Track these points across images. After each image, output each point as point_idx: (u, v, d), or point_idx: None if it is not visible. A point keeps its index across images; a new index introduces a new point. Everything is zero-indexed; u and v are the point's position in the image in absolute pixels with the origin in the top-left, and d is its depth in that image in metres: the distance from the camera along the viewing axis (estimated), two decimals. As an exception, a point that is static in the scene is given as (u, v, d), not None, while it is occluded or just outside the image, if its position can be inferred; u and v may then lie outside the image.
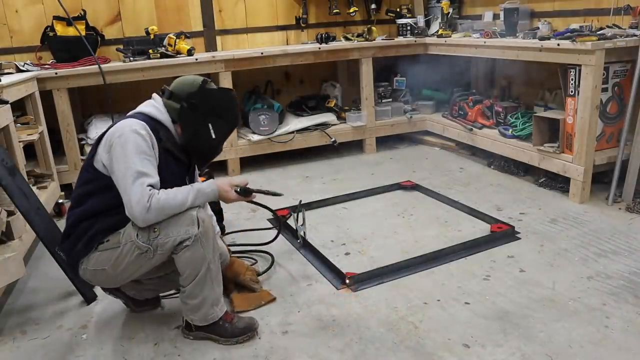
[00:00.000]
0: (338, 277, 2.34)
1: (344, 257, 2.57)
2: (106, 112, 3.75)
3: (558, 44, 2.99)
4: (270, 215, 2.97)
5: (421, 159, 4.17)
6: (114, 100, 3.64)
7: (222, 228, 2.80)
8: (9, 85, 2.71)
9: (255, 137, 4.01)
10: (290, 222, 2.91)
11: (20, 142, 2.78)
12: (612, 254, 2.43)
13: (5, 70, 3.13)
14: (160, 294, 2.22)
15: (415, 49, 4.37)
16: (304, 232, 2.65)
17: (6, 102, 2.56)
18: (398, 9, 4.67)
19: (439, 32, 4.25)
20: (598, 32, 2.97)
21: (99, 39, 3.89)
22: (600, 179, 3.15)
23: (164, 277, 2.09)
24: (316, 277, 2.39)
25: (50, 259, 2.30)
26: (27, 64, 3.42)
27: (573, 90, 3.03)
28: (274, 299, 2.21)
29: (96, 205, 1.84)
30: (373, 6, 4.59)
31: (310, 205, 3.14)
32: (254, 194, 2.02)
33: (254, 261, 2.56)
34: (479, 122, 3.95)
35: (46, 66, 3.56)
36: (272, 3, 4.48)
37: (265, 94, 4.48)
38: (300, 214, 2.62)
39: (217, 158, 2.19)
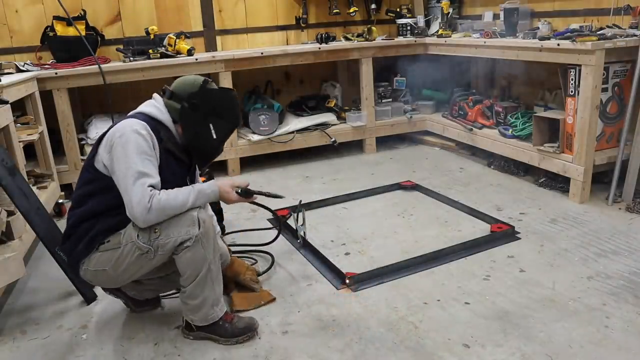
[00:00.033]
0: (338, 277, 2.34)
1: (344, 257, 2.57)
2: (106, 112, 3.75)
3: (558, 44, 2.99)
4: (270, 215, 2.96)
5: (421, 159, 4.17)
6: (114, 100, 3.64)
7: (222, 228, 2.80)
8: (9, 85, 2.71)
9: (255, 137, 4.01)
10: (290, 222, 2.91)
11: (20, 142, 2.78)
12: (612, 254, 2.43)
13: (5, 70, 3.13)
14: (161, 294, 2.22)
15: (415, 49, 4.37)
16: (304, 232, 2.66)
17: (6, 102, 2.56)
18: (398, 9, 4.67)
19: (439, 32, 4.25)
20: (598, 32, 2.97)
21: (99, 39, 3.89)
22: (600, 179, 3.15)
23: (164, 278, 2.09)
24: (316, 277, 2.39)
25: (50, 259, 2.30)
26: (27, 64, 3.42)
27: (573, 90, 3.03)
28: (273, 299, 2.21)
29: (97, 206, 1.84)
30: (373, 6, 4.59)
31: (310, 205, 3.14)
32: (255, 195, 2.02)
33: (254, 261, 2.56)
34: (479, 122, 3.95)
35: (46, 66, 3.56)
36: (272, 3, 4.48)
37: (265, 94, 4.48)
38: (300, 214, 2.62)
39: (217, 158, 2.19)
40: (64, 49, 3.68)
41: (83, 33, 3.67)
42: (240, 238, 2.83)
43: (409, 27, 4.47)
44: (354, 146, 4.43)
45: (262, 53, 3.93)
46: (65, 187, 3.50)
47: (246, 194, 1.99)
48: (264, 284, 2.34)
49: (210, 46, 4.33)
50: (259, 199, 2.06)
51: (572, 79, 3.02)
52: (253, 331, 1.96)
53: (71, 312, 2.22)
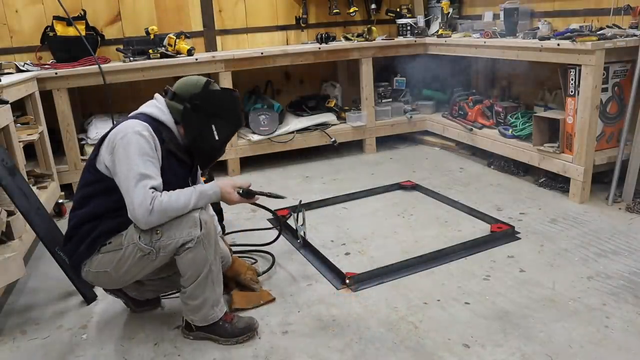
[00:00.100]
0: (338, 277, 2.34)
1: (344, 257, 2.57)
2: (106, 112, 3.75)
3: (558, 44, 2.99)
4: (270, 215, 2.96)
5: (421, 159, 4.17)
6: (114, 100, 3.64)
7: (222, 228, 2.80)
8: (9, 85, 2.71)
9: (255, 137, 4.01)
10: (291, 222, 2.91)
11: (20, 142, 2.78)
12: (612, 254, 2.43)
13: (5, 70, 3.13)
14: (161, 294, 2.22)
15: (415, 49, 4.36)
16: (304, 232, 2.66)
17: (6, 102, 2.56)
18: (398, 9, 4.67)
19: (439, 32, 4.25)
20: (598, 32, 2.97)
21: (99, 39, 3.89)
22: (600, 179, 3.15)
23: (166, 279, 2.09)
24: (316, 277, 2.39)
25: (50, 259, 2.30)
26: (27, 64, 3.42)
27: (573, 90, 3.03)
28: (273, 299, 2.21)
29: (98, 208, 1.84)
30: (373, 6, 4.59)
31: (310, 205, 3.14)
32: (256, 196, 2.02)
33: (254, 261, 2.56)
34: (479, 122, 3.95)
35: (46, 66, 3.56)
36: (272, 3, 4.48)
37: (265, 94, 4.48)
38: (300, 214, 2.62)
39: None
40: (64, 49, 3.68)
41: (83, 33, 3.67)
42: (241, 238, 2.83)
43: (409, 27, 4.47)
44: (354, 146, 4.43)
45: (262, 53, 3.93)
46: (65, 187, 3.50)
47: (248, 195, 1.99)
48: (264, 284, 2.34)
49: (210, 46, 4.33)
50: (260, 199, 2.06)
51: (572, 79, 3.02)
52: (253, 331, 1.96)
53: (71, 312, 2.22)
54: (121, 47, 3.78)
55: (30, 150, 3.24)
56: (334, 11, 4.52)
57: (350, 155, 4.33)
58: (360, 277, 2.30)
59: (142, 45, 3.76)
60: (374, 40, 4.30)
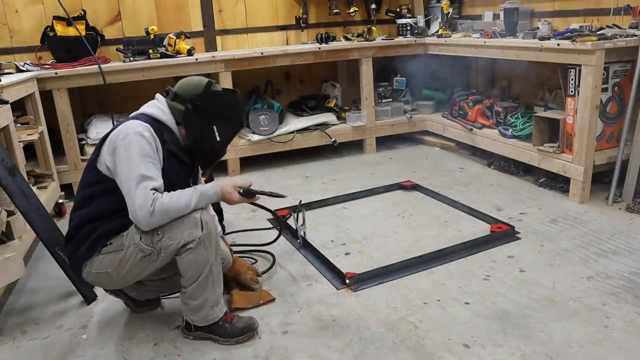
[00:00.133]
0: (338, 277, 2.34)
1: (344, 257, 2.57)
2: (106, 112, 3.75)
3: (558, 44, 2.99)
4: (270, 215, 2.96)
5: (421, 159, 4.17)
6: (114, 100, 3.64)
7: (223, 228, 2.80)
8: (9, 85, 2.71)
9: (255, 137, 4.01)
10: (291, 222, 2.91)
11: (20, 142, 2.78)
12: (612, 254, 2.43)
13: (5, 70, 3.13)
14: (161, 295, 2.22)
15: (415, 49, 4.36)
16: (304, 232, 2.66)
17: (6, 102, 2.56)
18: (398, 9, 4.67)
19: (439, 32, 4.25)
20: (598, 32, 2.97)
21: (99, 39, 3.89)
22: (600, 179, 3.15)
23: (166, 279, 2.09)
24: (316, 277, 2.39)
25: (50, 259, 2.30)
26: (27, 64, 3.42)
27: (573, 90, 3.03)
28: (273, 299, 2.21)
29: (99, 209, 1.84)
30: (373, 6, 4.59)
31: (310, 205, 3.14)
32: (257, 195, 2.02)
33: (254, 261, 2.56)
34: (479, 122, 3.95)
35: (46, 66, 3.56)
36: (272, 3, 4.48)
37: (265, 94, 4.48)
38: (300, 214, 2.62)
39: (218, 159, 2.20)
40: (64, 49, 3.68)
41: (83, 33, 3.67)
42: (241, 238, 2.83)
43: (409, 27, 4.47)
44: (354, 146, 4.43)
45: (262, 53, 3.93)
46: (65, 187, 3.50)
47: (248, 194, 1.99)
48: (264, 284, 2.34)
49: (210, 46, 4.33)
50: (260, 199, 2.06)
51: (572, 79, 3.02)
52: (253, 331, 1.96)
53: (71, 312, 2.22)
54: (121, 47, 3.78)
55: (30, 150, 3.25)
56: (334, 11, 4.52)
57: (350, 155, 4.33)
58: (360, 277, 2.30)
59: (142, 45, 3.76)
60: (374, 40, 4.30)
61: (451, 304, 2.11)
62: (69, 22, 3.66)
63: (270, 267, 2.47)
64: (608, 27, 3.14)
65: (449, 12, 4.38)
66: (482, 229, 2.77)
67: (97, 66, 3.49)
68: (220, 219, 2.80)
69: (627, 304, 2.04)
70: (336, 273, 2.36)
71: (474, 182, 3.52)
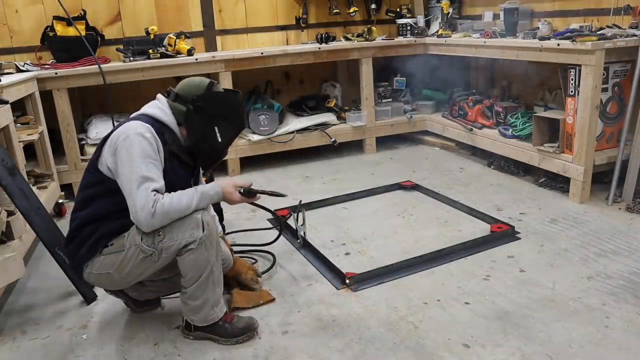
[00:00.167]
0: (338, 277, 2.34)
1: (344, 257, 2.57)
2: (106, 112, 3.75)
3: (558, 44, 2.99)
4: (270, 215, 2.96)
5: (421, 159, 4.17)
6: (114, 100, 3.64)
7: (223, 228, 2.80)
8: (9, 85, 2.71)
9: (255, 137, 4.01)
10: (291, 222, 2.91)
11: (20, 142, 2.78)
12: (612, 254, 2.43)
13: (5, 70, 3.13)
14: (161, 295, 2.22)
15: (415, 49, 4.36)
16: (304, 232, 2.65)
17: (6, 102, 2.56)
18: (398, 9, 4.67)
19: (439, 32, 4.26)
20: (598, 32, 2.97)
21: (99, 39, 3.89)
22: (600, 179, 3.15)
23: (167, 280, 2.09)
24: (316, 277, 2.39)
25: (50, 259, 2.30)
26: (27, 64, 3.42)
27: (573, 90, 3.03)
28: (273, 300, 2.21)
29: (100, 210, 1.84)
30: (373, 6, 4.59)
31: (310, 205, 3.14)
32: (258, 195, 2.02)
33: (254, 261, 2.56)
34: (479, 122, 3.95)
35: (46, 66, 3.56)
36: (272, 3, 4.48)
37: (265, 94, 4.48)
38: (300, 214, 2.62)
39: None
40: (64, 49, 3.68)
41: (83, 33, 3.67)
42: (241, 238, 2.83)
43: (409, 27, 4.47)
44: (354, 146, 4.43)
45: (262, 53, 3.93)
46: (65, 187, 3.50)
47: (249, 194, 1.99)
48: (264, 283, 2.34)
49: (210, 46, 4.33)
50: (261, 198, 2.06)
51: (572, 79, 3.02)
52: (253, 331, 1.96)
53: (71, 312, 2.22)
54: (121, 47, 3.78)
55: (30, 150, 3.25)
56: (334, 11, 4.52)
57: (350, 155, 4.33)
58: (360, 277, 2.30)
59: (142, 45, 3.76)
60: (374, 40, 4.30)
61: (451, 304, 2.11)
62: (69, 22, 3.66)
63: (271, 267, 2.47)
64: (608, 27, 3.14)
65: (449, 12, 4.38)
66: (482, 229, 2.77)
67: (97, 66, 3.49)
68: (221, 219, 2.80)
69: (627, 304, 2.04)
70: (336, 273, 2.36)
71: (474, 182, 3.52)
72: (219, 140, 1.94)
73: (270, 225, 2.98)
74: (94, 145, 3.64)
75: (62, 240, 2.28)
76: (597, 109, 2.93)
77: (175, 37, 3.80)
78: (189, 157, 1.96)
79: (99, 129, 3.68)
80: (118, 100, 3.81)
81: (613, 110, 3.10)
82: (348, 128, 4.29)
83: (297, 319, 2.07)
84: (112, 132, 1.84)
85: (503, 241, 2.61)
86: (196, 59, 3.72)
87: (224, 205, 2.53)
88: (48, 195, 2.98)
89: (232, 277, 2.23)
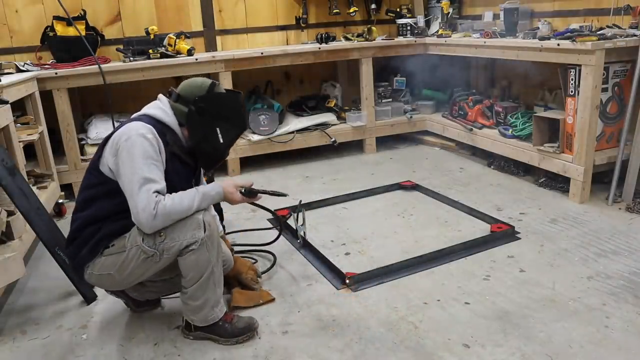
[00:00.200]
0: (338, 277, 2.34)
1: (344, 257, 2.57)
2: (106, 112, 3.75)
3: (558, 44, 2.99)
4: (270, 215, 2.96)
5: (421, 159, 4.17)
6: (114, 100, 3.64)
7: (222, 228, 2.80)
8: (9, 85, 2.71)
9: (255, 137, 4.01)
10: (291, 222, 2.91)
11: (20, 142, 2.78)
12: (612, 254, 2.43)
13: (5, 70, 3.13)
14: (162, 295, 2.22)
15: (415, 49, 4.36)
16: (304, 232, 2.65)
17: (6, 102, 2.56)
18: (398, 9, 4.67)
19: (439, 32, 4.25)
20: (598, 32, 2.97)
21: (99, 39, 3.89)
22: (600, 179, 3.15)
23: (168, 281, 2.08)
24: (316, 277, 2.39)
25: (50, 259, 2.30)
26: (27, 64, 3.42)
27: (573, 90, 3.03)
28: (273, 300, 2.21)
29: (101, 211, 1.83)
30: (373, 6, 4.59)
31: (310, 205, 3.14)
32: (259, 195, 2.02)
33: (254, 261, 2.56)
34: (479, 122, 3.95)
35: (46, 66, 3.56)
36: (272, 3, 4.48)
37: (265, 94, 4.48)
38: (300, 214, 2.62)
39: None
40: (64, 49, 3.68)
41: (83, 33, 3.67)
42: (241, 238, 2.83)
43: (409, 27, 4.47)
44: (354, 146, 4.43)
45: (262, 53, 3.93)
46: (65, 187, 3.50)
47: (250, 194, 1.99)
48: (264, 283, 2.34)
49: (210, 46, 4.33)
50: (261, 198, 2.06)
51: (572, 79, 3.02)
52: (253, 331, 1.96)
53: (71, 312, 2.22)
54: (121, 47, 3.78)
55: (30, 150, 3.25)
56: (334, 11, 4.52)
57: (350, 155, 4.33)
58: (360, 277, 2.30)
59: (142, 45, 3.76)
60: (374, 40, 4.30)
61: (451, 304, 2.11)
62: (69, 22, 3.66)
63: (271, 267, 2.47)
64: (608, 27, 3.15)
65: (449, 12, 4.38)
66: (482, 229, 2.77)
67: (97, 66, 3.49)
68: (221, 219, 2.80)
69: (627, 304, 2.04)
70: (336, 273, 2.36)
71: (474, 182, 3.52)
72: (221, 141, 1.94)
73: (270, 225, 2.98)
74: (93, 145, 3.64)
75: (62, 240, 2.29)
76: (597, 109, 2.93)
77: (175, 37, 3.80)
78: (190, 158, 1.96)
79: (99, 129, 3.68)
80: (118, 100, 3.81)
81: (613, 110, 3.10)
82: (348, 128, 4.29)
83: (297, 319, 2.07)
84: (113, 132, 1.84)
85: (503, 241, 2.61)
86: (196, 59, 3.72)
87: (224, 205, 2.53)
88: (48, 195, 2.98)
89: (233, 276, 2.23)
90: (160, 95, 1.98)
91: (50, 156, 3.37)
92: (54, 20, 3.69)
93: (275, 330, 2.01)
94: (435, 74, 4.40)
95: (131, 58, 3.68)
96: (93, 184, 1.86)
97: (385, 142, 4.49)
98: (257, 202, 2.09)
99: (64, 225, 1.94)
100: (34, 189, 2.72)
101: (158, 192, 1.74)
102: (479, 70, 4.49)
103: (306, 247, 2.66)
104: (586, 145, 2.95)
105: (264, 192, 2.05)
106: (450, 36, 4.14)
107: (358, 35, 4.40)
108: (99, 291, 2.28)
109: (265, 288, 2.29)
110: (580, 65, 2.91)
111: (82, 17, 3.78)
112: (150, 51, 3.72)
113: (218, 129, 1.92)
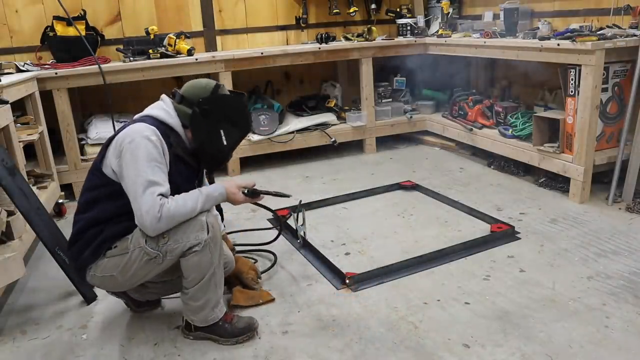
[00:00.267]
0: (338, 277, 2.34)
1: (344, 257, 2.57)
2: (106, 112, 3.75)
3: (558, 44, 2.99)
4: (270, 215, 2.97)
5: (421, 159, 4.17)
6: (114, 100, 3.64)
7: (223, 227, 2.80)
8: (9, 85, 2.71)
9: (255, 137, 4.00)
10: (291, 222, 2.91)
11: (20, 142, 2.78)
12: (612, 254, 2.43)
13: (5, 70, 3.13)
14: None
15: (415, 49, 4.36)
16: (304, 232, 2.65)
17: (6, 102, 2.56)
18: (398, 9, 4.67)
19: (439, 32, 4.25)
20: (598, 32, 2.97)
21: (99, 39, 3.89)
22: (600, 179, 3.15)
23: (169, 282, 2.08)
24: (316, 277, 2.38)
25: (50, 259, 2.30)
26: (27, 64, 3.42)
27: (573, 90, 3.03)
28: (273, 300, 2.21)
29: (103, 212, 1.83)
30: (373, 6, 4.59)
31: (310, 205, 3.14)
32: (261, 195, 2.02)
33: (254, 260, 2.56)
34: (479, 122, 3.95)
35: (46, 66, 3.56)
36: (272, 3, 4.48)
37: (265, 94, 4.48)
38: (300, 214, 2.62)
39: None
40: (64, 49, 3.68)
41: (83, 33, 3.67)
42: (240, 238, 2.83)
43: (409, 27, 4.47)
44: (354, 146, 4.43)
45: (262, 53, 3.93)
46: (65, 187, 3.50)
47: (253, 194, 1.99)
48: (264, 283, 2.34)
49: (210, 46, 4.33)
50: (263, 199, 2.05)
51: (572, 79, 3.02)
52: (253, 331, 1.96)
53: (71, 312, 2.22)
54: (121, 47, 3.78)
55: (30, 150, 3.25)
56: (334, 11, 4.52)
57: (350, 155, 4.33)
58: (360, 277, 2.30)
59: (142, 45, 3.76)
60: (374, 40, 4.30)
61: (451, 304, 2.11)
62: (69, 22, 3.66)
63: (271, 267, 2.47)
64: (608, 27, 3.15)
65: (449, 12, 4.38)
66: (482, 229, 2.77)
67: (97, 66, 3.48)
68: (221, 219, 2.80)
69: (627, 304, 2.04)
70: (336, 273, 2.36)
71: (474, 182, 3.52)
72: (225, 143, 1.93)
73: (270, 225, 2.98)
74: (93, 145, 3.64)
75: (62, 240, 2.29)
76: (597, 109, 2.93)
77: (175, 37, 3.80)
78: (193, 159, 1.95)
79: (99, 129, 3.68)
80: (118, 100, 3.81)
81: (613, 110, 3.10)
82: (348, 128, 4.29)
83: (297, 319, 2.07)
84: (116, 133, 1.83)
85: (503, 241, 2.61)
86: (196, 59, 3.72)
87: (224, 205, 2.53)
88: (48, 195, 2.98)
89: (234, 275, 2.23)
90: (163, 96, 1.97)
91: (50, 156, 3.37)
92: (54, 20, 3.69)
93: (275, 330, 2.01)
94: (435, 74, 4.40)
95: (131, 58, 3.68)
96: (95, 186, 1.85)
97: (385, 142, 4.49)
98: (258, 203, 2.09)
99: (64, 225, 1.94)
100: (34, 189, 2.72)
101: (162, 195, 1.73)
102: (479, 70, 4.49)
103: (306, 247, 2.66)
104: (586, 145, 2.95)
105: (267, 192, 2.05)
106: (450, 36, 4.14)
107: (358, 35, 4.40)
108: (99, 291, 2.28)
109: (265, 288, 2.29)
110: (580, 65, 2.91)
111: (82, 17, 3.78)
112: (150, 51, 3.72)
113: (222, 131, 1.91)
